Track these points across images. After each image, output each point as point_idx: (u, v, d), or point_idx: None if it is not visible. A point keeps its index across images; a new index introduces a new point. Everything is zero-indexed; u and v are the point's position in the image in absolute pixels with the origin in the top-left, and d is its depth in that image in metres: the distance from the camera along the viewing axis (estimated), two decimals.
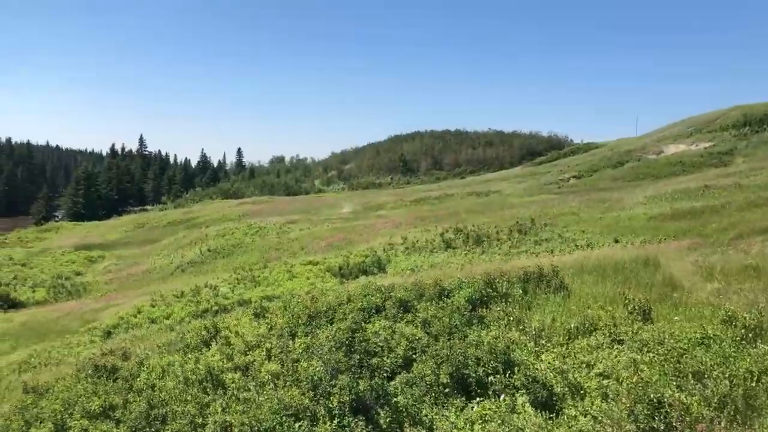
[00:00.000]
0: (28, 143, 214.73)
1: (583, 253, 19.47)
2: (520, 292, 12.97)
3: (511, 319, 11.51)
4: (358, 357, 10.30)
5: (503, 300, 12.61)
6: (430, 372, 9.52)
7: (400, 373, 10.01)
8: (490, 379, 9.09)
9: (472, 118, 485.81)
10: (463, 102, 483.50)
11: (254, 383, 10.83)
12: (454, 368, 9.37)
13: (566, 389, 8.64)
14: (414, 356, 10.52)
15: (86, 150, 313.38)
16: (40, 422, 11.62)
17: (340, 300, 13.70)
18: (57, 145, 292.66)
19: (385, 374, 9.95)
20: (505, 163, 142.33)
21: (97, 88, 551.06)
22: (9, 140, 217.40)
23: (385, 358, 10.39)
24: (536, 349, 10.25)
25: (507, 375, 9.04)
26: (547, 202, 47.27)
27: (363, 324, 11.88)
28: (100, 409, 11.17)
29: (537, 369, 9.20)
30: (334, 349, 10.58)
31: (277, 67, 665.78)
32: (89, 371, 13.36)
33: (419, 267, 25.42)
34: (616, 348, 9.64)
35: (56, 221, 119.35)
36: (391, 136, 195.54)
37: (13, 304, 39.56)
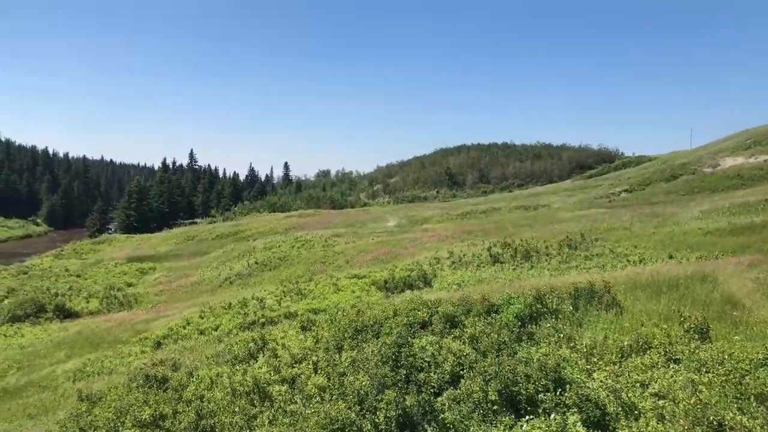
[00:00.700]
0: (84, 158, 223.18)
1: (635, 269, 18.93)
2: (571, 308, 12.66)
3: (562, 335, 11.24)
4: (405, 372, 10.21)
5: (553, 316, 12.33)
6: (478, 389, 9.35)
7: (447, 390, 9.87)
8: (540, 396, 8.87)
9: (519, 130, 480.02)
10: (509, 114, 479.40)
11: (301, 396, 10.87)
12: (503, 385, 9.19)
13: (620, 409, 8.35)
14: (461, 372, 10.36)
15: (139, 164, 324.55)
16: (94, 430, 11.92)
17: (386, 314, 13.66)
18: (111, 160, 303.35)
19: (432, 390, 9.83)
20: (553, 177, 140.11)
21: (150, 105, 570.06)
22: (66, 155, 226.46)
23: (432, 374, 10.27)
24: (588, 367, 9.96)
25: (558, 393, 8.81)
26: (598, 217, 46.21)
27: (409, 339, 11.78)
28: (151, 418, 11.39)
29: (589, 387, 8.92)
30: (380, 363, 10.53)
31: (324, 81, 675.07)
32: (140, 381, 13.66)
33: (466, 282, 25.15)
34: (672, 367, 9.29)
35: (110, 234, 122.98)
36: (437, 149, 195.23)
37: (69, 314, 40.92)
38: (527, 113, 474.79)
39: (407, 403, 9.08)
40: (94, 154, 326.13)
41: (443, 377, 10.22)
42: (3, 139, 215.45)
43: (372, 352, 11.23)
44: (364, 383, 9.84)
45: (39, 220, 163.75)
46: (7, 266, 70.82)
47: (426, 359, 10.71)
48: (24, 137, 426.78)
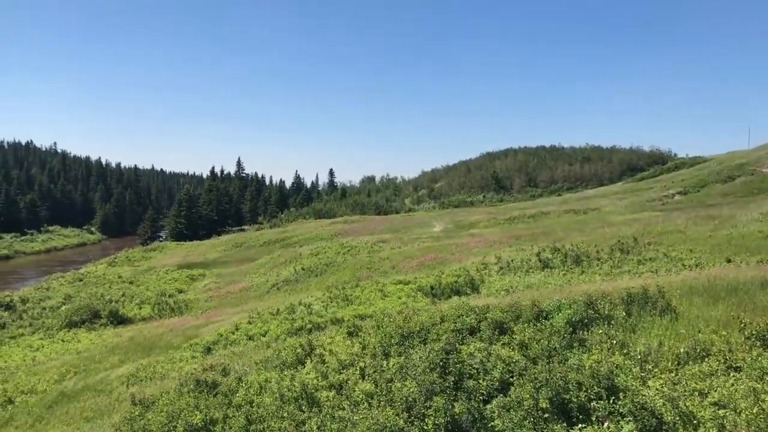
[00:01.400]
0: (135, 167, 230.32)
1: (691, 273, 18.30)
2: (624, 314, 12.31)
3: (614, 342, 10.94)
4: (453, 379, 10.12)
5: (605, 322, 12.01)
6: (528, 396, 9.19)
7: (496, 397, 9.73)
8: (592, 404, 8.67)
9: (567, 133, 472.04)
10: (557, 116, 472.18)
11: (348, 402, 10.89)
12: (554, 393, 9.01)
13: (677, 418, 8.08)
14: (511, 379, 10.20)
15: (188, 173, 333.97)
16: None
17: (434, 320, 13.56)
18: (161, 169, 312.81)
19: (481, 397, 9.71)
20: (603, 180, 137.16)
21: (198, 115, 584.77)
22: (118, 165, 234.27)
23: (480, 381, 10.15)
24: (642, 374, 9.67)
25: (611, 401, 8.58)
26: (651, 220, 44.95)
27: (457, 345, 11.68)
28: (202, 423, 11.59)
29: (644, 395, 8.67)
30: (428, 370, 10.46)
31: (368, 88, 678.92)
32: (191, 386, 13.92)
33: (514, 287, 24.80)
34: (733, 375, 8.93)
35: (160, 241, 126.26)
36: (483, 153, 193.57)
37: (122, 320, 42.16)
38: (576, 115, 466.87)
39: (456, 410, 9.00)
40: (144, 164, 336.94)
41: (492, 384, 10.09)
42: (59, 151, 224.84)
43: (419, 358, 11.17)
44: (412, 390, 9.79)
45: (93, 229, 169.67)
46: (64, 273, 73.79)
47: (474, 366, 10.59)
48: (78, 149, 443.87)
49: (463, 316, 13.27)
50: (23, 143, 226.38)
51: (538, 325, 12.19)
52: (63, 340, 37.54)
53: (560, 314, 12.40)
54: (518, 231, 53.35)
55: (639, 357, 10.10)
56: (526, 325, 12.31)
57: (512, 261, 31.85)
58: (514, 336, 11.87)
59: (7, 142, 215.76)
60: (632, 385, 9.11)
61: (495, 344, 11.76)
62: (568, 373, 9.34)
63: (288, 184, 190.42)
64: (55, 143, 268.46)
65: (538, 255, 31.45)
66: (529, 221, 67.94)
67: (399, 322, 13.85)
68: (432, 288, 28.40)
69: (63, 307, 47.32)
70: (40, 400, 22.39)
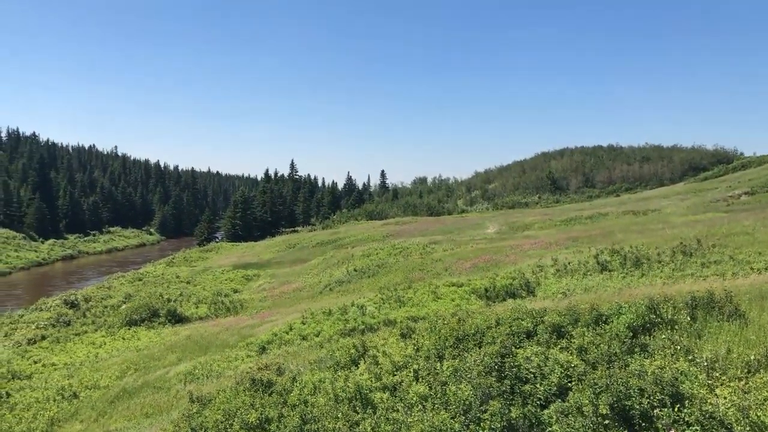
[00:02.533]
0: (192, 170, 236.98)
1: (760, 276, 17.48)
2: (688, 318, 11.81)
3: (678, 348, 10.50)
4: (509, 383, 9.93)
5: (668, 327, 11.55)
6: (587, 402, 8.91)
7: (554, 402, 9.49)
8: (656, 412, 8.34)
9: (625, 132, 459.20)
10: (615, 115, 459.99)
11: (402, 404, 10.82)
12: (614, 399, 8.71)
13: (747, 428, 7.68)
14: (569, 384, 9.93)
15: (243, 175, 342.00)
16: (204, 430, 12.46)
17: (489, 323, 13.35)
18: (217, 171, 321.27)
19: (538, 402, 9.49)
20: (664, 180, 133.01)
21: (252, 118, 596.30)
22: (176, 168, 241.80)
23: (538, 385, 9.92)
24: (709, 382, 9.24)
25: (676, 409, 8.24)
26: (715, 221, 43.15)
27: (513, 349, 11.45)
28: (257, 421, 11.74)
29: (712, 404, 8.28)
30: (483, 373, 10.30)
31: (421, 89, 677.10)
32: (247, 384, 14.12)
33: (572, 290, 24.26)
34: None
35: (216, 242, 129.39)
36: (538, 153, 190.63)
37: (180, 319, 43.39)
38: (634, 114, 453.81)
39: (512, 414, 8.82)
40: (201, 166, 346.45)
41: (550, 389, 9.84)
42: (120, 154, 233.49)
43: (474, 361, 11.01)
44: (467, 393, 9.65)
45: (152, 230, 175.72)
46: (125, 273, 76.58)
47: (531, 370, 10.37)
48: (137, 152, 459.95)
49: (519, 319, 13.01)
50: (86, 147, 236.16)
51: (598, 329, 11.83)
52: (123, 338, 38.88)
53: (620, 318, 12.00)
54: (575, 232, 52.20)
55: (705, 364, 9.66)
56: (584, 329, 11.96)
57: (569, 263, 31.17)
58: (572, 340, 11.55)
59: (72, 147, 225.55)
60: (699, 393, 8.72)
61: (552, 348, 11.48)
62: (629, 378, 9.02)
63: (340, 185, 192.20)
64: (115, 147, 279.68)
65: (596, 257, 30.66)
66: (586, 222, 66.36)
67: (453, 324, 13.70)
68: (486, 290, 28.05)
69: (123, 306, 49.01)
70: (102, 395, 23.23)
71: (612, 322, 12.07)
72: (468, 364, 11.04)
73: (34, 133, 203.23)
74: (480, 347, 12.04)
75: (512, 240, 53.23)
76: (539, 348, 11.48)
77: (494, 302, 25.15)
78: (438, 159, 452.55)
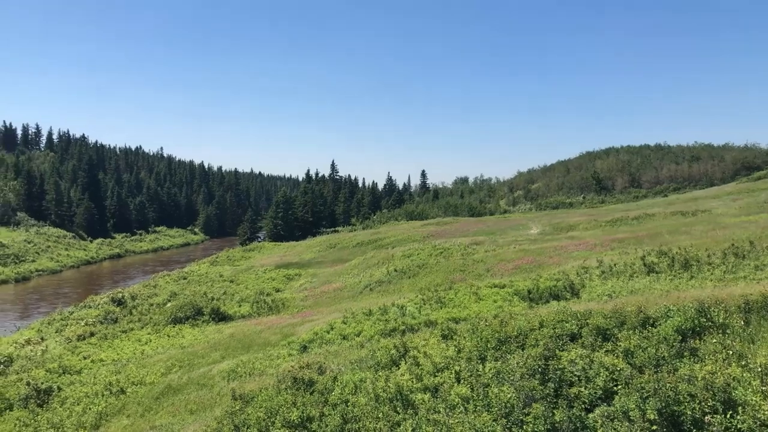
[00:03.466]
0: (236, 171, 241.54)
1: None
2: (741, 323, 11.41)
3: (731, 353, 10.14)
4: (553, 386, 9.77)
5: (720, 331, 11.17)
6: (634, 406, 8.69)
7: (599, 406, 9.29)
8: (707, 418, 8.07)
9: (674, 130, 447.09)
10: (663, 113, 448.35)
11: (444, 405, 10.76)
12: (663, 404, 8.47)
13: None
14: (615, 388, 9.70)
15: (284, 176, 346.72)
16: (247, 428, 12.64)
17: (532, 325, 13.15)
18: (260, 172, 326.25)
19: (582, 406, 9.30)
20: (714, 180, 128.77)
21: (296, 122, 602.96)
22: (220, 169, 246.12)
23: (582, 389, 9.72)
24: (763, 388, 8.89)
25: (728, 416, 7.96)
26: None
27: (557, 351, 11.26)
28: (299, 419, 11.85)
29: (765, 412, 7.97)
30: (526, 375, 10.16)
31: (463, 89, 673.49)
32: (288, 383, 14.26)
33: (617, 293, 23.71)
34: None
35: (259, 242, 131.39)
36: (582, 152, 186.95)
37: (223, 317, 44.08)
38: (683, 112, 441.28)
39: (556, 418, 8.67)
40: (244, 167, 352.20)
41: (595, 393, 9.64)
42: (165, 156, 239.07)
43: (517, 363, 10.87)
44: (509, 395, 9.54)
45: (196, 230, 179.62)
46: (170, 272, 78.38)
47: (576, 373, 10.17)
48: (182, 153, 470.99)
49: (562, 321, 12.79)
50: (133, 148, 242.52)
51: (645, 332, 11.53)
52: (169, 335, 39.72)
53: (669, 321, 11.66)
54: (621, 233, 51.08)
55: (760, 370, 9.30)
56: (631, 332, 11.67)
57: (615, 265, 30.51)
58: (618, 343, 11.29)
59: (119, 148, 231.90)
60: (752, 400, 8.40)
61: (597, 351, 11.24)
62: (678, 383, 8.76)
63: (380, 186, 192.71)
64: (161, 148, 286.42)
65: (643, 259, 29.92)
66: (632, 223, 64.83)
67: (495, 326, 13.55)
68: (529, 292, 27.66)
69: (168, 304, 50.15)
70: (148, 392, 23.78)
71: (660, 325, 11.75)
72: (510, 366, 10.91)
73: (83, 135, 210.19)
74: (523, 349, 11.89)
75: (556, 241, 52.41)
76: (584, 351, 11.26)
77: (537, 304, 24.79)
78: (480, 159, 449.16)
